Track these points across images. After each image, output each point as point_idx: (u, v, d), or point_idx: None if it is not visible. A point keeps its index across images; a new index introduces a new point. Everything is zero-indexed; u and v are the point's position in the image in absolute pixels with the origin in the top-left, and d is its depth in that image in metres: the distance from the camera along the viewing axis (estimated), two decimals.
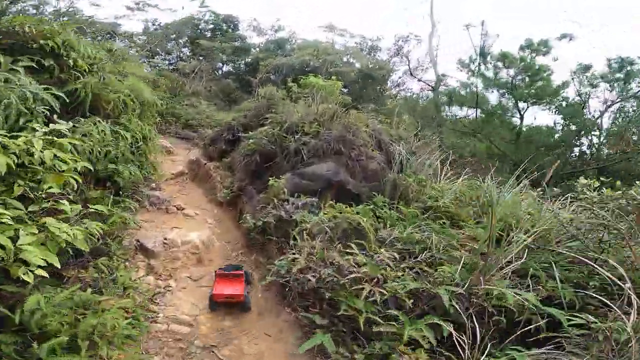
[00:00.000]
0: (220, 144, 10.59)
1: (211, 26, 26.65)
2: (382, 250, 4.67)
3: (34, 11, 20.11)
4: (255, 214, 6.34)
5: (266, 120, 8.22)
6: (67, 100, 4.99)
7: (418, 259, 4.87)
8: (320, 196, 6.68)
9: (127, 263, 5.84)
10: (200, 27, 26.19)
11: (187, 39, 25.76)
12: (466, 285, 4.20)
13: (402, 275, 4.31)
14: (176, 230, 6.99)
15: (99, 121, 5.32)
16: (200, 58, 23.57)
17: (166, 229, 6.98)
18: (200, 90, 20.45)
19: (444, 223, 5.93)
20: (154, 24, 26.43)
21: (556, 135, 12.38)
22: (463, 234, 5.91)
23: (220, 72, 26.45)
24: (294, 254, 4.76)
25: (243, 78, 24.97)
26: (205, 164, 10.79)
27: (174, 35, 25.75)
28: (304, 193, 6.49)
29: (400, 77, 27.08)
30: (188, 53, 26.42)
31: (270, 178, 6.51)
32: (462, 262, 4.50)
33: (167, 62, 26.23)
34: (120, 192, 6.36)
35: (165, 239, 6.48)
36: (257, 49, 27.10)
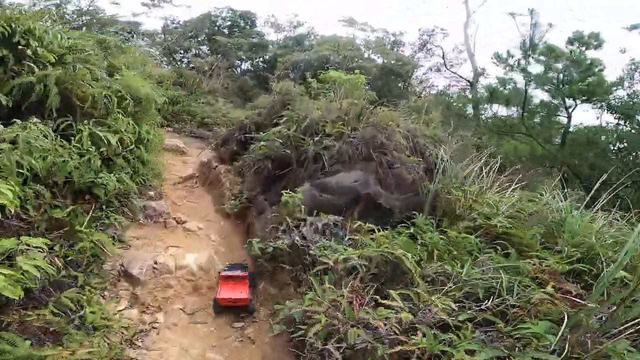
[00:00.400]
0: (231, 145, 9.39)
1: (228, 23, 25.66)
2: (434, 299, 3.30)
3: (55, 9, 19.58)
4: (265, 236, 5.07)
5: (281, 119, 6.94)
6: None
7: (483, 306, 3.48)
8: (345, 212, 5.36)
9: (105, 293, 4.69)
10: (217, 23, 25.28)
11: (205, 36, 24.83)
12: (565, 353, 2.79)
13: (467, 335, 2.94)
14: (172, 249, 5.80)
15: (38, 122, 4.09)
16: (217, 55, 22.63)
17: (161, 248, 5.80)
18: (217, 88, 19.41)
19: (506, 252, 4.49)
20: (172, 22, 25.75)
21: (614, 136, 10.63)
22: (532, 264, 4.46)
23: (238, 70, 25.46)
24: (310, 299, 3.45)
25: (261, 75, 23.86)
26: (216, 166, 9.63)
27: (192, 33, 24.88)
28: (325, 210, 5.17)
29: (424, 73, 25.38)
30: (206, 51, 25.58)
31: (284, 190, 5.22)
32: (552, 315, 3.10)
33: (186, 59, 25.53)
34: (104, 206, 5.21)
35: (156, 262, 5.29)
36: (275, 46, 26.01)
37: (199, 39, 25.08)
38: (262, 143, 6.05)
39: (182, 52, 25.79)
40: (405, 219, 5.66)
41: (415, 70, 23.40)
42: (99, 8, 21.00)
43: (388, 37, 24.27)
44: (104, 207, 5.16)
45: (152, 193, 6.88)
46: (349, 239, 4.75)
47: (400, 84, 23.11)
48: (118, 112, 5.52)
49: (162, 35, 25.46)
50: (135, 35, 23.12)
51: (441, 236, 4.83)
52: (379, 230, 4.71)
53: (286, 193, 5.02)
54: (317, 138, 5.57)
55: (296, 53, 22.76)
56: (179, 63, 24.73)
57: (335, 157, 5.43)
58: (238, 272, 5.02)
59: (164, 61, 24.04)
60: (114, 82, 5.63)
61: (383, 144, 5.60)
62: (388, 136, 5.71)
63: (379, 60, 23.68)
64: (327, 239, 4.64)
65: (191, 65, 22.51)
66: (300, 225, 4.76)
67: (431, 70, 23.85)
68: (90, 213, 4.82)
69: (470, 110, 14.58)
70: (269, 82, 23.55)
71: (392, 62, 22.52)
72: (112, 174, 5.04)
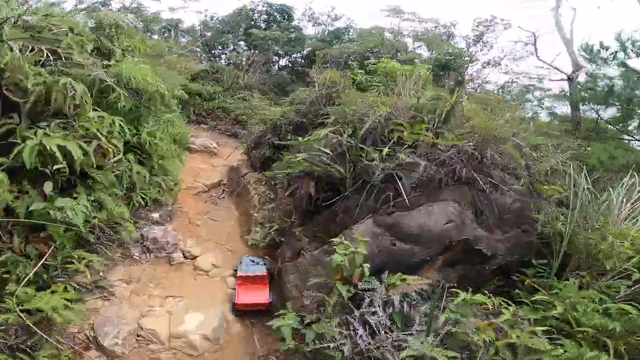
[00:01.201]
0: (263, 150, 7.51)
1: (265, 17, 23.97)
2: None
3: (102, 7, 18.93)
4: (303, 306, 3.08)
5: (326, 118, 4.91)
6: None
7: None
8: (425, 263, 3.28)
9: None
10: (253, 17, 23.69)
11: (241, 30, 23.31)
12: None
13: None
14: (171, 301, 3.98)
15: None
16: (254, 50, 21.02)
17: (156, 298, 3.99)
18: (253, 84, 17.74)
19: None
20: (211, 18, 24.52)
21: None
22: None
23: (275, 65, 23.76)
24: None
25: (299, 70, 22.02)
26: (246, 174, 7.80)
27: (229, 27, 23.44)
28: (398, 264, 3.11)
29: (480, 68, 22.28)
30: (243, 46, 24.12)
31: (332, 223, 3.22)
32: None
33: (224, 55, 24.24)
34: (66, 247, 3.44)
35: (141, 327, 3.48)
36: (314, 40, 24.04)
37: (236, 34, 23.55)
38: (302, 156, 4.02)
39: (220, 47, 24.55)
40: (505, 266, 3.62)
41: (470, 64, 20.51)
42: (142, 5, 20.14)
43: (438, 27, 21.43)
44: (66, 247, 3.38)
45: (156, 215, 5.10)
46: (446, 322, 2.66)
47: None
48: (98, 109, 3.73)
49: (200, 31, 24.30)
50: (176, 32, 22.19)
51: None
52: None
53: (339, 241, 2.97)
54: (387, 149, 3.47)
55: (335, 47, 20.69)
56: (217, 59, 23.45)
57: (416, 182, 3.31)
58: (256, 272, 4.29)
59: (204, 57, 22.86)
60: (96, 69, 3.83)
61: (493, 162, 3.40)
62: (498, 150, 3.50)
63: (427, 54, 21.05)
64: (409, 328, 2.58)
65: (229, 60, 21.05)
66: (363, 301, 2.72)
67: (489, 64, 20.74)
68: (42, 260, 3.05)
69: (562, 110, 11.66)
70: (308, 76, 21.72)
71: (444, 55, 19.83)
72: (77, 201, 3.23)
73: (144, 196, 4.81)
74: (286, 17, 24.41)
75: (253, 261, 4.51)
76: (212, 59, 23.23)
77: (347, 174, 3.66)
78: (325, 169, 3.77)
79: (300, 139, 4.69)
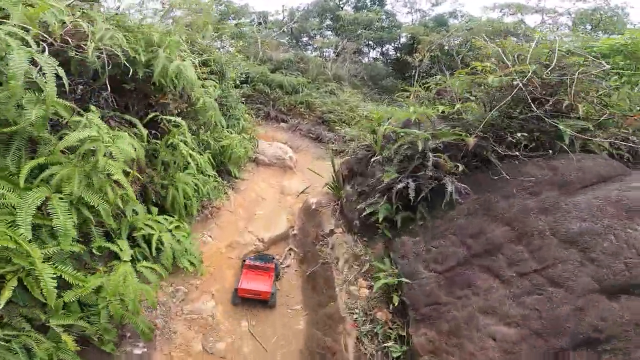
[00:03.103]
0: (368, 192, 4.01)
1: (353, 0, 20.11)
2: None
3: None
4: None
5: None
6: None
7: None
8: None
9: None
10: (340, 4, 20.02)
11: (329, 16, 19.78)
12: None
13: None
14: None
15: None
16: (343, 38, 17.43)
17: None
18: (342, 75, 14.18)
19: None
20: (298, 10, 21.53)
21: None
22: None
23: (365, 59, 19.94)
24: None
25: (397, 61, 17.87)
26: (330, 233, 4.29)
27: (315, 14, 20.10)
28: None
29: None
30: (330, 35, 20.72)
31: None
32: None
33: (310, 45, 21.17)
34: None
35: None
36: (411, 25, 19.57)
37: (322, 19, 20.08)
38: None
39: (305, 37, 21.49)
40: None
41: None
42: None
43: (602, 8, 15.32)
44: None
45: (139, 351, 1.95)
46: None
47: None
48: None
49: (285, 20, 21.45)
50: (265, 24, 19.75)
51: None
52: None
53: None
54: None
55: (442, 34, 16.05)
56: (302, 49, 20.43)
57: None
58: (264, 263, 4.20)
59: (289, 47, 20.02)
60: None
61: None
62: None
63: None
64: None
65: (314, 46, 17.77)
66: None
67: None
68: None
69: None
70: (407, 69, 17.48)
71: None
72: None
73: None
74: (377, 1, 20.39)
75: (264, 257, 4.41)
76: (299, 49, 20.31)
77: None
78: None
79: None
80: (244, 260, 4.28)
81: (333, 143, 9.56)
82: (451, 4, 20.60)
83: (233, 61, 6.62)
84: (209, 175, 4.84)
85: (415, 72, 14.94)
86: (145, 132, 3.57)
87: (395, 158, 3.67)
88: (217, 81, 5.61)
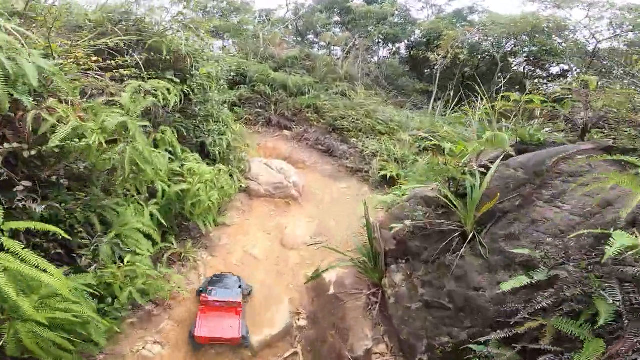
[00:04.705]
0: (436, 302, 1.86)
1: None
2: None
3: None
4: None
5: None
6: None
7: None
8: None
9: None
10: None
11: (337, 10, 17.43)
12: None
13: None
14: None
15: None
16: (354, 32, 15.15)
17: None
18: (354, 74, 11.93)
19: None
20: (303, 6, 19.28)
21: None
22: None
23: (375, 56, 17.63)
24: None
25: (412, 59, 15.58)
26: (367, 356, 2.12)
27: (323, 10, 17.77)
28: None
29: None
30: (339, 32, 18.42)
31: None
32: None
33: (316, 44, 18.93)
34: None
35: None
36: (427, 20, 17.26)
37: (330, 14, 17.78)
38: None
39: (312, 35, 19.26)
40: None
41: None
42: None
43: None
44: None
45: None
46: None
47: None
48: None
49: (290, 15, 19.23)
50: (268, 21, 17.61)
51: None
52: None
53: None
54: None
55: (462, 30, 13.78)
56: (308, 47, 18.17)
57: None
58: (228, 297, 3.01)
59: (296, 43, 17.78)
60: None
61: None
62: None
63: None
64: None
65: (320, 43, 15.58)
66: None
67: None
68: None
69: None
70: (425, 67, 15.17)
71: None
72: None
73: None
74: None
75: (225, 280, 3.15)
76: (305, 46, 18.11)
77: None
78: None
79: None
80: (200, 292, 3.19)
81: (347, 158, 7.36)
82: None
83: (209, 52, 4.41)
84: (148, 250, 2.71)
85: (436, 71, 12.72)
86: None
87: None
88: (179, 81, 3.50)
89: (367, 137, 7.66)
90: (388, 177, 5.78)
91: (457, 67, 13.20)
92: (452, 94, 11.87)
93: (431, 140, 5.79)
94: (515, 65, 15.26)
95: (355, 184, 6.21)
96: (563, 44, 12.19)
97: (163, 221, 3.05)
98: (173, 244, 3.25)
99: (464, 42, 13.27)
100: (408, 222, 2.61)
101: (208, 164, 3.83)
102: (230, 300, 3.08)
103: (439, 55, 12.24)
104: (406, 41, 18.07)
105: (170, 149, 3.38)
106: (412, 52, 16.75)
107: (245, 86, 9.49)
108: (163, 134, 3.30)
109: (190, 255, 3.28)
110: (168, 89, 3.17)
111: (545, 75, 14.74)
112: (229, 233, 3.92)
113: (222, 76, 5.04)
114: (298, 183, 5.35)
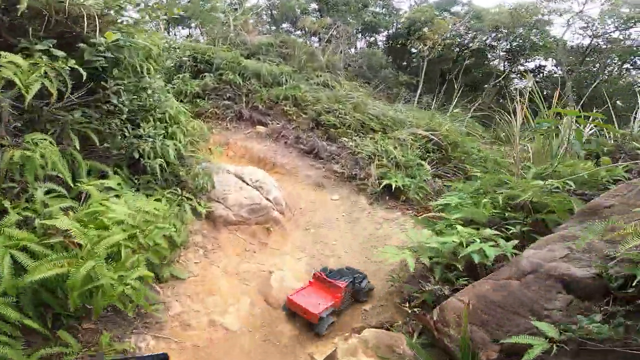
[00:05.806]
0: None
1: None
2: None
3: None
4: None
5: None
6: None
7: None
8: None
9: None
10: None
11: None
12: None
13: None
14: None
15: None
16: (335, 18, 13.77)
17: None
18: (336, 63, 10.53)
19: None
20: None
21: None
22: None
23: (353, 45, 16.33)
24: None
25: (393, 49, 14.45)
26: None
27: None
28: None
29: None
30: (315, 19, 16.92)
31: None
32: None
33: (293, 31, 17.33)
34: None
35: None
36: (407, 11, 16.20)
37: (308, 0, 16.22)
38: None
39: (287, 23, 17.59)
40: None
41: None
42: None
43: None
44: None
45: None
46: None
47: None
48: None
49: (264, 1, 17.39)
50: (241, 6, 15.65)
51: None
52: None
53: None
54: None
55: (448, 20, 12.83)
56: (284, 34, 16.53)
57: None
58: (335, 279, 3.04)
59: (269, 31, 16.05)
60: None
61: None
62: None
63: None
64: None
65: (295, 31, 14.05)
66: None
67: None
68: None
69: None
70: (404, 58, 14.10)
71: None
72: None
73: None
74: None
75: (345, 273, 3.14)
76: (279, 34, 16.47)
77: None
78: None
79: None
80: (314, 273, 3.06)
81: (337, 162, 6.04)
82: None
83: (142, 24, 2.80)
84: None
85: (423, 62, 11.65)
86: None
87: None
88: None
89: (358, 135, 6.37)
90: (393, 187, 4.54)
91: (444, 59, 12.22)
92: (439, 88, 10.88)
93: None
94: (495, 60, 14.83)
95: (348, 195, 4.94)
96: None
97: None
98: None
99: (451, 32, 12.32)
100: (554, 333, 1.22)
101: (140, 189, 2.39)
102: (336, 283, 2.78)
103: (425, 45, 11.12)
104: (387, 32, 16.97)
105: (58, 172, 1.86)
106: (392, 43, 15.66)
107: (211, 74, 7.87)
108: (34, 146, 1.70)
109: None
110: (21, 69, 1.65)
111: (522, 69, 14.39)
112: (185, 292, 2.43)
113: (173, 57, 3.49)
114: (280, 199, 3.95)
